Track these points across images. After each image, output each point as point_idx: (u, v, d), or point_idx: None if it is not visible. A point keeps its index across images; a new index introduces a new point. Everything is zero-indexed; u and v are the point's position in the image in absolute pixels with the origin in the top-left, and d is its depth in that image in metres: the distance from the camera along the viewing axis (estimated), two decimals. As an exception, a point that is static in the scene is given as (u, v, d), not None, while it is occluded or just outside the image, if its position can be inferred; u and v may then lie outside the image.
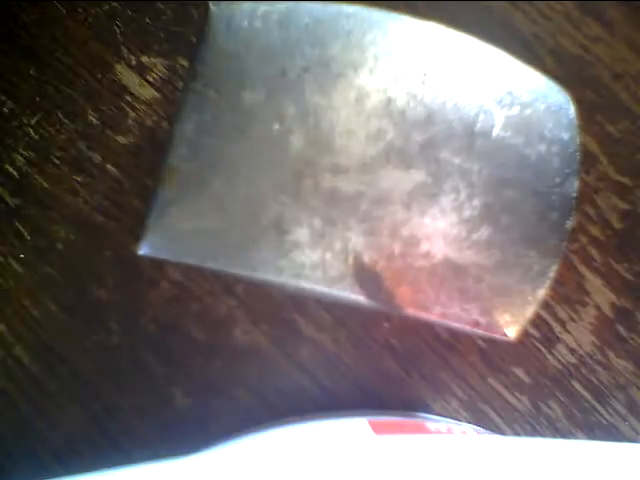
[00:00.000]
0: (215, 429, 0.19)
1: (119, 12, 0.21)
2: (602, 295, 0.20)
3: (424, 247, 0.15)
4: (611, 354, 0.20)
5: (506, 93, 0.15)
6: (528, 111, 0.15)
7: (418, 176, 0.15)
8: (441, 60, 0.15)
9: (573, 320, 0.20)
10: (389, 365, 0.19)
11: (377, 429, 0.15)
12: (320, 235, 0.15)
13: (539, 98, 0.16)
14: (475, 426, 0.19)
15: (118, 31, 0.21)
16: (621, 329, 0.20)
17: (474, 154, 0.15)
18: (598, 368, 0.20)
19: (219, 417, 0.19)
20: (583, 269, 0.20)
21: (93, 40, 0.21)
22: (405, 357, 0.19)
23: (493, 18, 0.21)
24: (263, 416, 0.19)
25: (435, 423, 0.17)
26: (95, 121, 0.20)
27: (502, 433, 0.19)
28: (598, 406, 0.19)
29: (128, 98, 0.21)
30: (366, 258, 0.15)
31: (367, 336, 0.19)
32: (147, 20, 0.21)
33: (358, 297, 0.15)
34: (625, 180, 0.20)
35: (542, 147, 0.16)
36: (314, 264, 0.15)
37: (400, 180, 0.15)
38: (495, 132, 0.15)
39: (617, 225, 0.20)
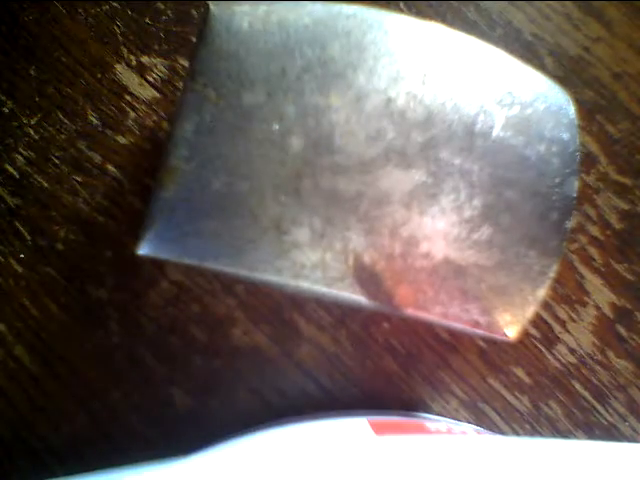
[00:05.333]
0: (215, 429, 0.19)
1: (119, 12, 0.21)
2: (602, 295, 0.20)
3: (424, 247, 0.15)
4: (611, 354, 0.20)
5: (506, 93, 0.15)
6: (528, 111, 0.15)
7: (418, 176, 0.15)
8: (441, 60, 0.15)
9: (573, 320, 0.20)
10: (389, 365, 0.19)
11: (377, 429, 0.15)
12: (320, 235, 0.15)
13: (539, 98, 0.16)
14: (475, 426, 0.19)
15: (118, 31, 0.21)
16: (621, 329, 0.20)
17: (474, 154, 0.15)
18: (598, 368, 0.20)
19: (219, 417, 0.19)
20: (583, 269, 0.20)
21: (93, 40, 0.21)
22: (405, 357, 0.19)
23: (493, 18, 0.21)
24: (263, 416, 0.19)
25: (435, 423, 0.17)
26: (95, 121, 0.20)
27: (502, 433, 0.19)
28: (598, 406, 0.19)
29: (128, 98, 0.21)
30: (366, 258, 0.15)
31: (367, 336, 0.19)
32: (147, 20, 0.21)
33: (358, 297, 0.15)
34: (625, 180, 0.20)
35: (542, 147, 0.16)
36: (314, 264, 0.15)
37: (400, 180, 0.15)
38: (495, 132, 0.15)
39: (617, 225, 0.20)
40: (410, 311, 0.15)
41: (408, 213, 0.15)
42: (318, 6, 0.15)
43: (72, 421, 0.19)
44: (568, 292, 0.20)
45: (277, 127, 0.15)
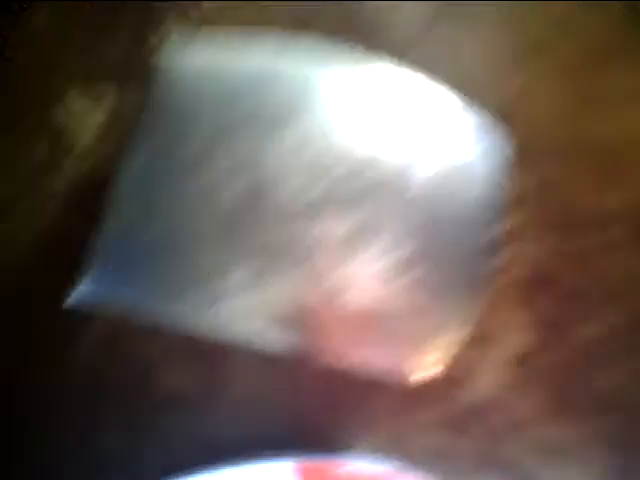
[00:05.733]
0: (149, 475, 0.18)
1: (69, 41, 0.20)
2: (524, 333, 0.20)
3: (354, 292, 0.15)
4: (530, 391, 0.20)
5: (443, 134, 0.16)
6: (465, 152, 0.16)
7: (353, 221, 0.15)
8: (382, 103, 0.16)
9: (493, 359, 0.20)
10: (316, 404, 0.19)
11: (303, 473, 0.15)
12: (253, 281, 0.15)
13: (476, 138, 0.16)
14: (399, 464, 0.19)
15: (68, 58, 0.20)
16: (541, 367, 0.20)
17: (409, 197, 0.16)
18: (516, 405, 0.19)
19: (153, 462, 0.19)
20: (508, 308, 0.20)
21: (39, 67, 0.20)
22: (330, 397, 0.19)
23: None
24: (197, 460, 0.18)
25: (358, 462, 0.17)
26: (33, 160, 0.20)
27: (424, 472, 0.19)
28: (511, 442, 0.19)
29: (68, 135, 0.20)
30: (297, 304, 0.15)
31: (295, 377, 0.19)
32: (94, 60, 0.21)
33: (287, 342, 0.15)
34: (554, 223, 0.21)
35: (476, 188, 0.16)
36: (247, 310, 0.15)
37: (336, 225, 0.15)
38: (430, 174, 0.16)
39: (543, 265, 0.20)
40: (336, 355, 0.15)
41: (342, 257, 0.15)
42: (263, 52, 0.16)
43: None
44: (491, 331, 0.20)
45: (216, 173, 0.15)
